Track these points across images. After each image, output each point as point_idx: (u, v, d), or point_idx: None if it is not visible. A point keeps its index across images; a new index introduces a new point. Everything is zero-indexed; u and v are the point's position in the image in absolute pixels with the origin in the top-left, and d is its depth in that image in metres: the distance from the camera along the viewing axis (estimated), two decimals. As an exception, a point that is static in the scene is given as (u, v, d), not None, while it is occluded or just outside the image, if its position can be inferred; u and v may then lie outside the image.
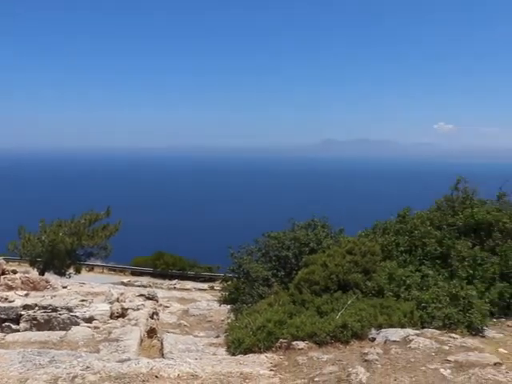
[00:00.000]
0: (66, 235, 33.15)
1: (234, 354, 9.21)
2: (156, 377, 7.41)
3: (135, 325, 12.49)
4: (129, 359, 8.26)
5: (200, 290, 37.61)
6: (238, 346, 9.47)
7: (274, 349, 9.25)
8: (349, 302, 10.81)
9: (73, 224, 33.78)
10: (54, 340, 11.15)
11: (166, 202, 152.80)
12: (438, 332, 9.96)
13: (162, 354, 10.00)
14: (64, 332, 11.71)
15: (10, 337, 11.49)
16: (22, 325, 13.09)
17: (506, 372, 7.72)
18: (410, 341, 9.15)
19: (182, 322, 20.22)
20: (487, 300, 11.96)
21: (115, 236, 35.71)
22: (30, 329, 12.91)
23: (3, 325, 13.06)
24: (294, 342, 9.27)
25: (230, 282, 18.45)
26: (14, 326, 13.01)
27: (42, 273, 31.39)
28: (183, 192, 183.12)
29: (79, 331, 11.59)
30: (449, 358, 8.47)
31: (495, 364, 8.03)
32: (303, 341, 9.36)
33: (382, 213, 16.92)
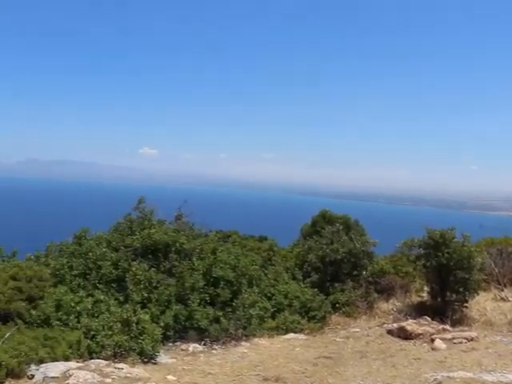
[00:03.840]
0: None
1: None
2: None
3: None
4: None
5: None
6: None
7: None
8: (6, 335, 9.69)
9: None
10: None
11: None
12: (104, 363, 9.44)
13: None
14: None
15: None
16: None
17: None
18: (70, 376, 8.50)
19: None
20: (162, 324, 11.68)
21: None
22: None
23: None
24: None
25: None
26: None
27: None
28: None
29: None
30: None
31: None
32: None
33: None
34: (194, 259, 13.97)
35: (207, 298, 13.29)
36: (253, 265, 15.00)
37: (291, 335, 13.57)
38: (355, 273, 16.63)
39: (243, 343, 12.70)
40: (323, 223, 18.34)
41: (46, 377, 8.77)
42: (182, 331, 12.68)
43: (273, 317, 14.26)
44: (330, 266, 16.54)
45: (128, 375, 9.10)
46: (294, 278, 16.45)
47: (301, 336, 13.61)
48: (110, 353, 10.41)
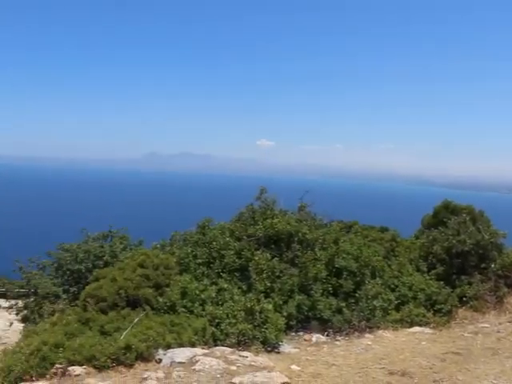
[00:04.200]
0: None
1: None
2: None
3: None
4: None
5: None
6: (7, 374, 8.58)
7: (48, 376, 8.39)
8: (135, 320, 9.85)
9: None
10: None
11: None
12: (229, 350, 9.36)
13: None
14: None
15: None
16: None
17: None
18: (196, 362, 8.52)
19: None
20: (285, 313, 12.29)
21: None
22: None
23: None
24: (71, 368, 8.43)
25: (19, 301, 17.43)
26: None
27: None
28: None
29: None
30: (234, 381, 8.16)
31: None
32: (81, 365, 8.52)
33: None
34: (317, 249, 14.01)
35: (330, 289, 13.27)
36: (376, 255, 14.79)
37: (416, 328, 13.22)
38: (483, 265, 15.93)
39: (367, 335, 12.52)
40: (446, 214, 17.76)
41: (174, 361, 8.95)
42: (304, 321, 12.77)
43: (397, 309, 13.95)
44: (456, 257, 15.96)
45: (252, 363, 9.14)
46: (418, 270, 16.01)
47: (426, 330, 13.23)
48: (234, 341, 10.54)
